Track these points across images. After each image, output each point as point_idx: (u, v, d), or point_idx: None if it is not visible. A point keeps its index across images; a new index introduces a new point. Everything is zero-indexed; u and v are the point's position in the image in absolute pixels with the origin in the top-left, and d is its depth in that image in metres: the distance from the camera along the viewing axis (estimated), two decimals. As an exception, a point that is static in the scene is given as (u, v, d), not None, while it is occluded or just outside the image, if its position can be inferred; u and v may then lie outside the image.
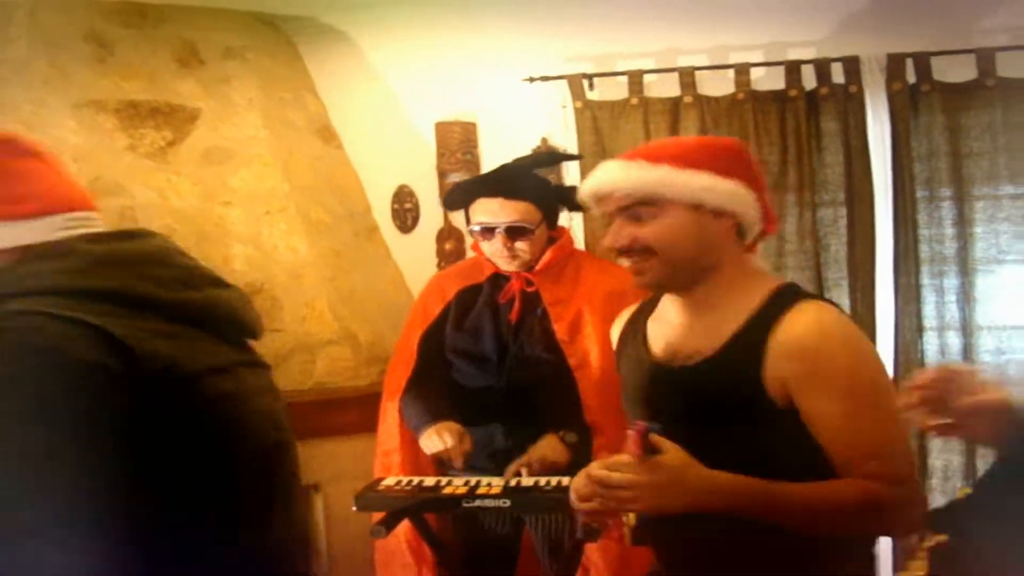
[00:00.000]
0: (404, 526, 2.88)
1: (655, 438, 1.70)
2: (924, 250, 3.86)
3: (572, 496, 1.84)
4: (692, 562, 1.91)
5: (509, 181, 3.00)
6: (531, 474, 2.76)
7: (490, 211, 2.94)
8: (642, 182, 1.84)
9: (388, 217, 4.52)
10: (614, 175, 1.88)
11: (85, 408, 1.39)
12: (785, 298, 1.84)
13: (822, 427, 1.75)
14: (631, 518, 1.83)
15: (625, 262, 1.91)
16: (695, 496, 1.69)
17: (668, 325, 1.99)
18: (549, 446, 2.85)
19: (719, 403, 1.80)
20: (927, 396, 1.68)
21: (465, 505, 2.65)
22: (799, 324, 1.78)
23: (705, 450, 1.72)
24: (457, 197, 3.12)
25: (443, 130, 4.36)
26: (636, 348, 2.04)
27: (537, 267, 3.00)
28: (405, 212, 4.49)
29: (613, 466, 1.72)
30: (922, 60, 3.86)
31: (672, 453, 1.70)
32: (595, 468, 1.75)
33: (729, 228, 1.87)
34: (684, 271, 1.88)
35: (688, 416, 1.83)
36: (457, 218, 3.97)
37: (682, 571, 1.96)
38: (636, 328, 2.08)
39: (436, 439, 2.87)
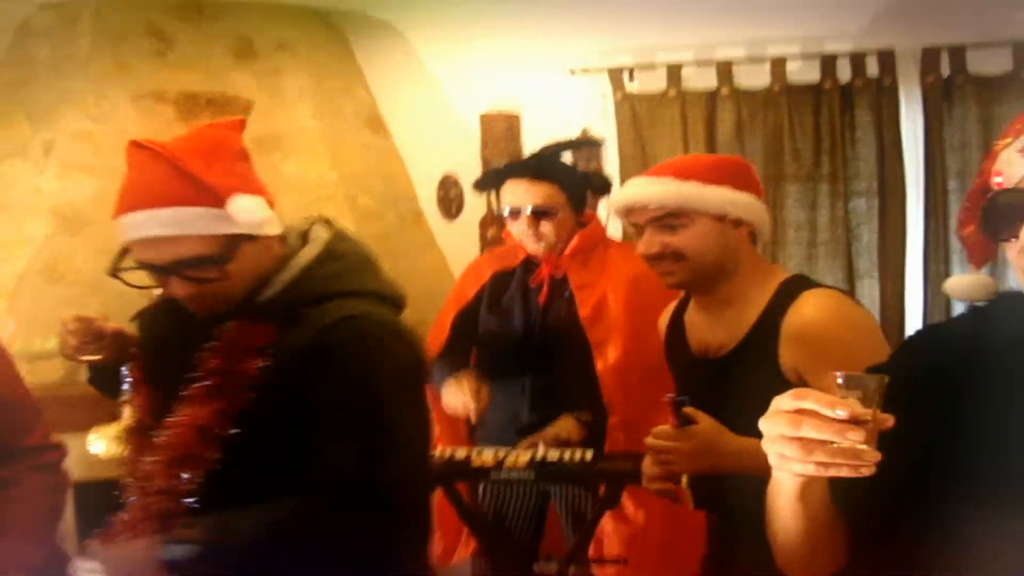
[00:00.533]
0: (436, 496, 3.02)
1: (690, 410, 1.92)
2: (954, 241, 3.92)
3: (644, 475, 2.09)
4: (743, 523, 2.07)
5: (535, 164, 3.13)
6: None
7: (516, 193, 3.06)
8: (674, 196, 2.05)
9: (433, 204, 4.68)
10: (648, 190, 2.08)
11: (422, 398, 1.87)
12: (792, 288, 2.03)
13: None
14: (686, 485, 2.03)
15: (655, 266, 2.11)
16: (725, 458, 1.90)
17: (698, 322, 2.19)
18: (564, 426, 2.99)
19: (745, 391, 1.93)
20: None
21: (492, 477, 2.80)
22: (805, 310, 1.96)
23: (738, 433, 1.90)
24: (487, 180, 3.26)
25: (488, 121, 4.51)
26: (680, 341, 2.24)
27: (566, 252, 3.12)
28: (450, 200, 4.65)
29: (657, 434, 1.95)
30: (957, 53, 3.93)
31: (705, 423, 1.92)
32: (647, 438, 1.97)
33: (746, 235, 2.10)
34: (709, 274, 2.08)
35: (721, 404, 1.98)
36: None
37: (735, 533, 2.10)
38: (677, 323, 2.27)
39: (455, 389, 2.99)
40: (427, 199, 4.68)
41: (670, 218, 2.05)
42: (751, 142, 4.13)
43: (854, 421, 1.03)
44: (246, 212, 1.70)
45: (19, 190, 3.75)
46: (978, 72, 3.91)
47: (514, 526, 3.16)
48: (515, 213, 3.05)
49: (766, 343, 1.98)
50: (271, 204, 1.79)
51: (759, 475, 1.82)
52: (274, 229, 1.80)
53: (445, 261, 4.54)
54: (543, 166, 3.10)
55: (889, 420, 1.07)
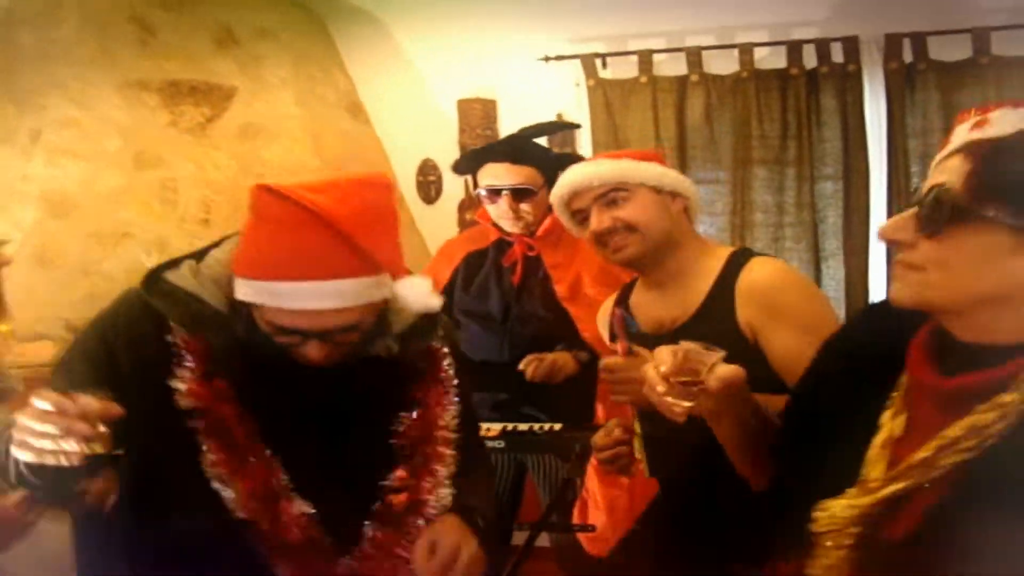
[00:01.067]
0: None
1: (638, 349, 2.01)
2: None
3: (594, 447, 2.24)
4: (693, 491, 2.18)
5: (514, 147, 3.24)
6: (537, 370, 3.05)
7: (497, 175, 3.18)
8: (613, 170, 2.20)
9: (413, 189, 4.79)
10: (588, 170, 2.23)
11: None
12: (741, 257, 2.18)
13: (777, 356, 2.03)
14: (640, 452, 2.16)
15: (604, 246, 2.22)
16: None
17: (647, 302, 2.29)
18: (562, 356, 3.11)
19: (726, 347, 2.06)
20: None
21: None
22: (756, 273, 2.11)
23: None
24: (466, 163, 3.37)
25: (465, 107, 4.62)
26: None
27: (538, 233, 3.23)
28: (429, 184, 4.76)
29: (608, 366, 2.07)
30: (919, 40, 4.04)
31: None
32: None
33: (682, 208, 2.24)
34: (659, 245, 2.19)
35: None
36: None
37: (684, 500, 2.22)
38: (621, 304, 2.36)
39: None
40: (406, 184, 4.79)
41: (613, 192, 2.18)
42: (720, 127, 4.26)
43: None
44: (419, 296, 1.70)
45: (7, 176, 3.82)
46: (939, 58, 4.03)
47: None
48: (494, 194, 3.17)
49: (722, 307, 2.10)
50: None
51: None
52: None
53: (425, 244, 4.64)
54: (523, 148, 3.22)
55: None
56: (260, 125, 4.29)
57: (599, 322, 2.50)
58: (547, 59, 4.40)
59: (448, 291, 3.34)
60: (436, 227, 4.61)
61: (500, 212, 3.20)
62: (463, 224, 4.61)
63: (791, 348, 1.98)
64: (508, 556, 3.38)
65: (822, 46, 4.13)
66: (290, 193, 1.53)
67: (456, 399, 1.83)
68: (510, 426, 2.96)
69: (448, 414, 1.81)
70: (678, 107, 4.27)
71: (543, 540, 3.61)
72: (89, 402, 1.38)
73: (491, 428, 2.95)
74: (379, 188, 1.64)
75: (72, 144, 3.87)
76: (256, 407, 1.68)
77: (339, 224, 1.52)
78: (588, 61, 4.35)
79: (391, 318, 1.72)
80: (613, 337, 2.19)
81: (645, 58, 4.30)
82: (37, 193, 3.80)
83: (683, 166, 4.22)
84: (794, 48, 4.16)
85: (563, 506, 3.09)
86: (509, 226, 3.22)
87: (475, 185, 3.30)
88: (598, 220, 2.19)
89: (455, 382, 1.84)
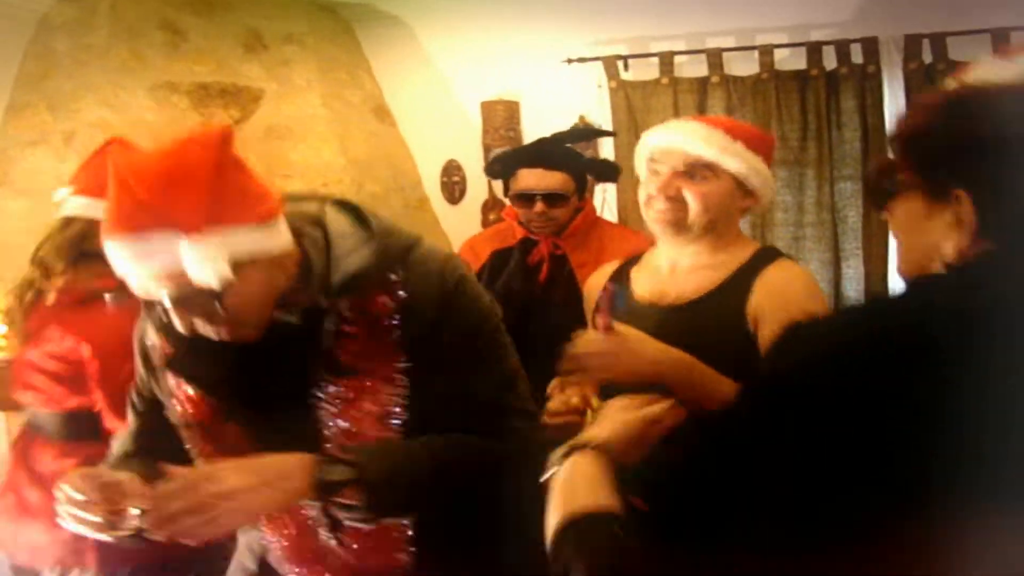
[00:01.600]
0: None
1: (618, 326, 1.98)
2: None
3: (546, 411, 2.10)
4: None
5: (549, 153, 3.31)
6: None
7: (531, 180, 3.25)
8: (718, 148, 2.11)
9: (437, 189, 4.86)
10: (695, 135, 2.13)
11: None
12: (770, 255, 2.19)
13: (766, 349, 2.01)
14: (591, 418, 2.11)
15: (649, 206, 2.18)
16: (651, 362, 1.96)
17: (656, 273, 2.28)
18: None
19: (703, 335, 2.07)
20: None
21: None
22: (780, 272, 2.12)
23: None
24: (500, 167, 3.43)
25: (488, 109, 4.68)
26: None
27: (565, 232, 3.29)
28: (453, 185, 4.83)
29: (586, 341, 2.00)
30: (938, 40, 4.07)
31: (633, 330, 2.00)
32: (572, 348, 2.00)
33: (746, 208, 2.21)
34: (706, 227, 2.15)
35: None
36: (500, 189, 4.28)
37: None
38: (620, 277, 2.37)
39: None
40: (431, 184, 4.86)
41: (701, 167, 2.11)
42: (741, 127, 4.29)
43: None
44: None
45: (42, 178, 3.91)
46: (959, 59, 4.05)
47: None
48: (529, 198, 3.24)
49: (738, 293, 2.09)
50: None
51: (665, 383, 1.97)
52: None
53: (449, 244, 4.70)
54: (556, 153, 3.29)
55: None
56: (287, 127, 4.37)
57: (586, 294, 2.48)
58: (569, 61, 4.45)
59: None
60: (460, 227, 4.67)
61: (532, 216, 3.27)
62: (487, 224, 4.67)
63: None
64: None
65: (842, 47, 4.16)
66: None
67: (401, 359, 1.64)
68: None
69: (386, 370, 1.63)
70: (699, 108, 4.31)
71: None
72: (119, 484, 1.53)
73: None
74: (200, 144, 1.51)
75: (105, 146, 3.96)
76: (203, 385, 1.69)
77: (127, 179, 1.45)
78: (610, 63, 4.41)
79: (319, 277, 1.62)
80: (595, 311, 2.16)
81: (666, 60, 4.35)
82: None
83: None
84: (814, 49, 4.20)
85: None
86: (539, 229, 3.29)
87: (506, 188, 3.36)
88: (666, 184, 2.14)
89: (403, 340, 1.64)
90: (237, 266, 1.48)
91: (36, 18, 4.21)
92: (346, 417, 1.63)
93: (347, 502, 1.54)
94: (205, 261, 1.45)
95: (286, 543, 1.74)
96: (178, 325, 1.53)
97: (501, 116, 4.67)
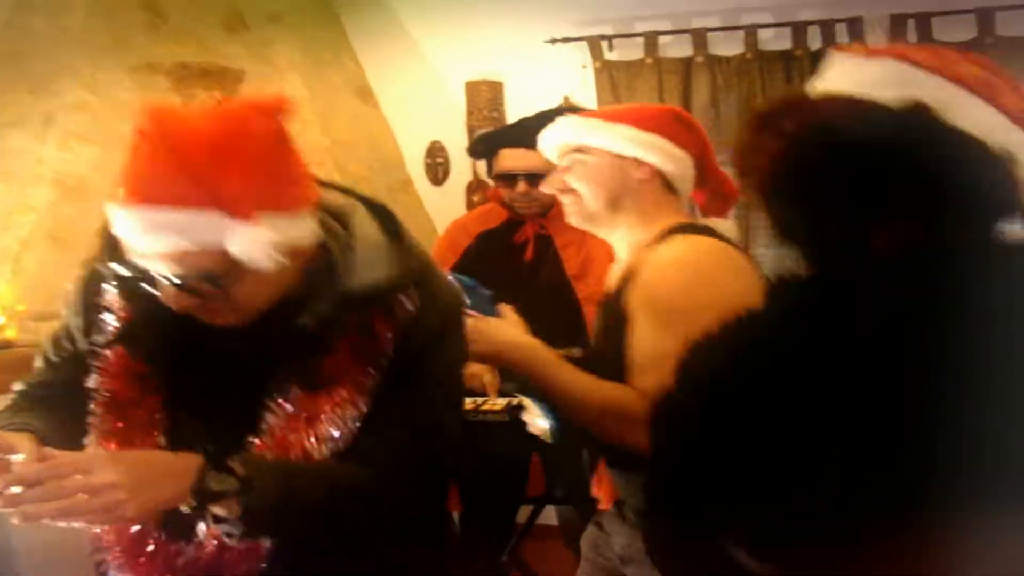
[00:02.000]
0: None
1: (475, 315, 1.96)
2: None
3: None
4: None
5: (528, 133, 3.28)
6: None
7: (513, 160, 3.24)
8: (577, 131, 2.10)
9: (421, 171, 4.84)
10: (556, 130, 2.14)
11: None
12: (667, 233, 2.01)
13: (630, 338, 1.95)
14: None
15: (564, 202, 2.14)
16: (492, 345, 1.98)
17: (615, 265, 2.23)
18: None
19: (607, 334, 2.03)
20: None
21: (470, 419, 2.96)
22: (657, 253, 1.97)
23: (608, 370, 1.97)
24: (482, 147, 3.42)
25: (472, 89, 4.66)
26: None
27: (549, 213, 3.28)
28: (437, 166, 4.81)
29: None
30: (923, 20, 4.07)
31: (494, 318, 2.05)
32: None
33: (648, 176, 2.07)
34: (599, 212, 2.08)
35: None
36: (484, 171, 4.27)
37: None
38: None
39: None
40: (415, 166, 4.83)
41: (574, 154, 2.09)
42: (725, 108, 4.29)
43: None
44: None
45: (22, 160, 3.86)
46: (943, 39, 4.05)
47: (498, 475, 3.33)
48: (511, 178, 3.22)
49: (627, 282, 1.98)
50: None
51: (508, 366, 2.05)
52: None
53: (433, 225, 4.69)
54: (536, 133, 3.26)
55: None
56: (270, 108, 4.33)
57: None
58: (553, 41, 4.43)
59: (461, 268, 3.39)
60: (444, 208, 4.65)
61: (515, 195, 3.26)
62: (471, 206, 4.66)
63: (635, 328, 1.92)
64: (512, 532, 3.48)
65: (827, 27, 4.16)
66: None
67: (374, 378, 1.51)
68: (515, 400, 3.01)
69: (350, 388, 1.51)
70: (684, 88, 4.31)
71: (550, 518, 3.69)
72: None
73: (496, 403, 3.00)
74: (260, 113, 1.40)
75: (84, 127, 3.91)
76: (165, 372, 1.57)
77: (176, 143, 1.33)
78: (594, 43, 4.39)
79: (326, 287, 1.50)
80: None
81: (651, 40, 4.34)
82: (51, 176, 3.84)
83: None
84: (799, 29, 4.19)
85: (577, 482, 3.15)
86: (523, 209, 3.28)
87: (489, 168, 3.35)
88: (549, 181, 2.15)
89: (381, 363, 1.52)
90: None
91: (13, -1, 4.15)
92: (289, 429, 1.50)
93: (220, 513, 1.40)
94: (255, 244, 1.35)
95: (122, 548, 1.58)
96: (170, 302, 1.41)
97: (485, 97, 4.64)
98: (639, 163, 2.06)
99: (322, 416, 1.49)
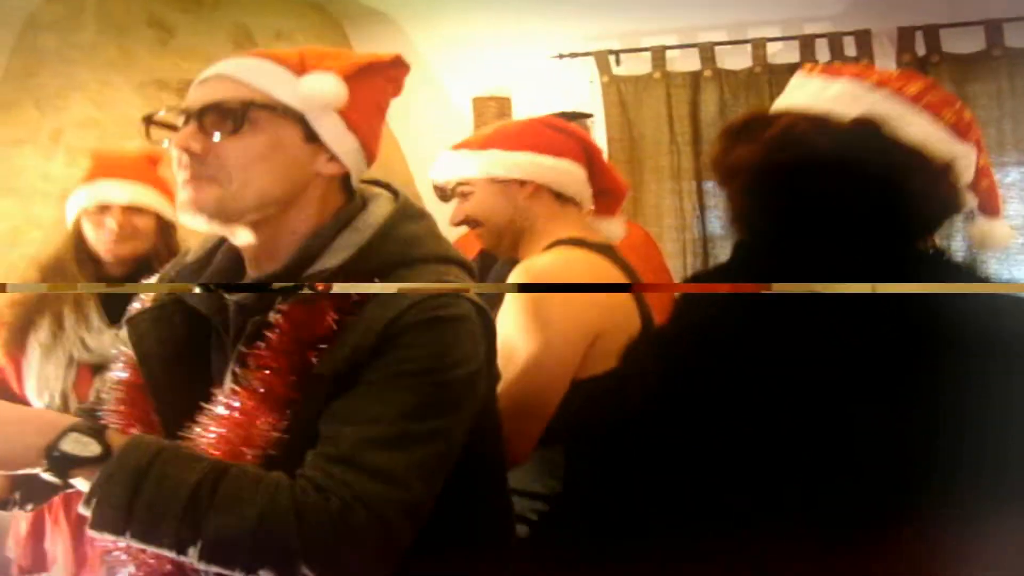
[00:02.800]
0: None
1: None
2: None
3: None
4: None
5: None
6: None
7: None
8: (452, 167, 2.16)
9: (429, 186, 4.81)
10: (438, 167, 2.21)
11: None
12: (546, 249, 2.06)
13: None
14: None
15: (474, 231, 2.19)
16: None
17: None
18: None
19: None
20: None
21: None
22: (517, 267, 2.00)
23: None
24: None
25: (480, 104, 4.65)
26: None
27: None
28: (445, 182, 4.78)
29: None
30: (931, 32, 4.05)
31: None
32: None
33: (532, 192, 2.09)
34: (502, 236, 2.14)
35: None
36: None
37: None
38: None
39: None
40: (423, 181, 4.82)
41: (460, 187, 2.15)
42: (734, 121, 4.27)
43: None
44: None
45: (29, 176, 3.87)
46: (952, 51, 4.04)
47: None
48: None
49: None
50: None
51: None
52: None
53: (441, 241, 4.68)
54: None
55: None
56: (277, 124, 4.33)
57: None
58: (561, 56, 4.43)
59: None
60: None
61: None
62: (479, 221, 4.65)
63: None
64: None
65: (835, 40, 4.14)
66: None
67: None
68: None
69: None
70: (692, 102, 4.30)
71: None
72: None
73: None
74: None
75: (92, 144, 3.91)
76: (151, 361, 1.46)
77: None
78: (602, 58, 4.39)
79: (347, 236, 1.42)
80: None
81: (658, 54, 4.33)
82: (58, 192, 3.84)
83: (697, 161, 4.25)
84: (807, 43, 4.18)
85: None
86: None
87: None
88: (453, 216, 2.19)
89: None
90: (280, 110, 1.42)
91: (23, 16, 4.16)
92: (219, 425, 1.33)
93: (74, 484, 1.23)
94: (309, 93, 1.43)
95: None
96: (175, 162, 1.41)
97: (493, 112, 4.63)
98: (521, 183, 2.08)
99: (243, 419, 1.32)
